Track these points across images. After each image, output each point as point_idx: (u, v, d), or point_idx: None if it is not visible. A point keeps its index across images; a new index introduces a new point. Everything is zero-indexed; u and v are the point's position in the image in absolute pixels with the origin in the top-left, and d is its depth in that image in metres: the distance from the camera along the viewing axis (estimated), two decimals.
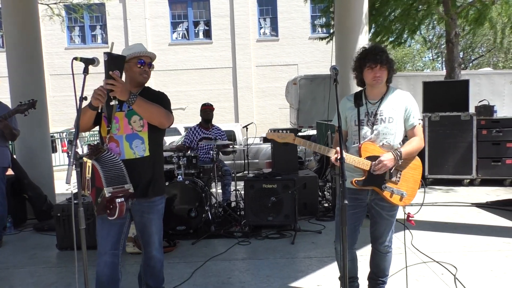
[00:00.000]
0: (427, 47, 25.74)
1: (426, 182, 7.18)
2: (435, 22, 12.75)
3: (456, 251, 4.03)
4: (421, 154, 2.78)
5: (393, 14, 10.36)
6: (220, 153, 5.92)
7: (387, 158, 2.54)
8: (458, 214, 5.44)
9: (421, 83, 8.05)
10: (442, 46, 23.80)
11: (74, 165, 2.02)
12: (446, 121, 7.24)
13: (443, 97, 7.46)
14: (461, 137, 7.20)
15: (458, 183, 7.28)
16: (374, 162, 2.55)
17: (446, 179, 7.32)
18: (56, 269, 4.00)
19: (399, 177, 2.63)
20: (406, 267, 2.99)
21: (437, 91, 7.61)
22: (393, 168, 2.61)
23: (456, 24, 10.30)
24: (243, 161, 8.08)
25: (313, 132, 11.11)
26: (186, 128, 12.18)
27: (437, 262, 3.70)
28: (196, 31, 21.94)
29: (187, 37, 21.90)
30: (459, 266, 3.58)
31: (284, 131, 2.69)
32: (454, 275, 3.40)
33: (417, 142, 2.65)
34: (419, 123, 2.68)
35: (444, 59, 23.52)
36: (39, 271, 3.94)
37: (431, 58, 30.43)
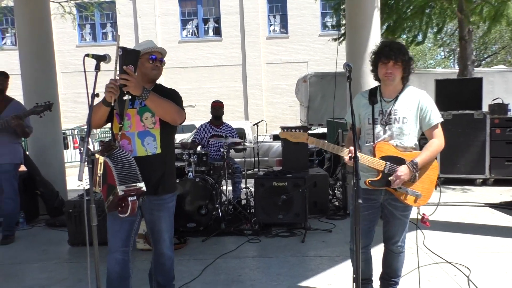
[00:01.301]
0: (438, 44, 25.44)
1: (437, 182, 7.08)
2: (447, 19, 12.58)
3: (469, 252, 3.98)
4: None
5: (406, 11, 10.22)
6: (230, 150, 5.91)
7: (403, 172, 2.49)
8: (471, 215, 5.37)
9: (433, 81, 7.95)
10: (455, 44, 23.51)
11: (86, 162, 2.02)
12: (458, 119, 7.14)
13: (456, 95, 7.35)
14: (474, 136, 7.09)
15: (471, 182, 7.18)
16: (391, 178, 2.51)
17: (459, 179, 7.23)
18: (68, 265, 4.03)
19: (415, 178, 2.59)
20: (419, 267, 2.95)
21: (450, 89, 7.51)
22: (412, 176, 2.56)
23: (470, 21, 10.14)
24: (253, 158, 8.07)
25: (323, 130, 11.05)
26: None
27: (450, 263, 3.65)
28: (206, 29, 21.96)
29: (196, 34, 21.92)
30: (473, 267, 3.53)
31: (297, 130, 2.65)
32: (468, 277, 3.35)
33: (436, 145, 2.57)
34: (439, 123, 2.59)
35: (456, 56, 23.24)
36: (50, 266, 3.97)
37: (443, 56, 30.11)
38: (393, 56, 2.48)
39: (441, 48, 28.54)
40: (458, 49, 12.48)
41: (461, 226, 4.84)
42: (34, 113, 4.55)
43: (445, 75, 12.29)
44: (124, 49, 2.22)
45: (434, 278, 3.38)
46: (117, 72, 2.23)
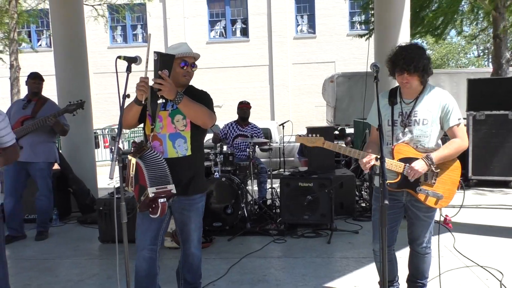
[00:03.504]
0: (472, 42, 24.68)
1: (469, 184, 6.90)
2: (481, 17, 12.20)
3: (502, 256, 3.85)
4: (464, 154, 2.67)
5: (435, 6, 9.98)
6: (256, 150, 5.93)
7: (418, 166, 2.45)
8: (504, 218, 5.19)
9: (465, 80, 7.73)
10: (489, 42, 22.76)
11: (117, 161, 2.08)
12: (492, 120, 6.91)
13: (489, 95, 7.12)
14: (508, 136, 6.85)
15: (505, 185, 6.94)
16: (405, 170, 2.48)
17: (492, 181, 6.99)
18: (99, 261, 4.16)
19: (435, 179, 2.53)
20: (440, 272, 2.89)
21: (483, 89, 7.27)
22: (428, 170, 2.51)
23: (504, 18, 9.80)
24: (279, 159, 8.06)
25: (349, 130, 10.92)
26: None
27: (482, 266, 3.55)
28: (234, 29, 22.10)
29: (224, 35, 22.09)
30: (505, 271, 3.42)
31: (314, 135, 2.64)
32: (500, 281, 3.24)
33: (456, 144, 2.52)
34: (460, 123, 2.55)
35: (491, 55, 22.47)
36: (82, 262, 4.10)
37: (476, 55, 29.19)
38: (407, 68, 2.45)
39: (475, 46, 27.67)
40: (492, 48, 12.07)
41: (493, 229, 4.69)
42: (67, 111, 4.72)
43: (478, 74, 11.92)
44: (159, 54, 2.26)
45: (464, 282, 3.30)
46: (148, 72, 2.28)
